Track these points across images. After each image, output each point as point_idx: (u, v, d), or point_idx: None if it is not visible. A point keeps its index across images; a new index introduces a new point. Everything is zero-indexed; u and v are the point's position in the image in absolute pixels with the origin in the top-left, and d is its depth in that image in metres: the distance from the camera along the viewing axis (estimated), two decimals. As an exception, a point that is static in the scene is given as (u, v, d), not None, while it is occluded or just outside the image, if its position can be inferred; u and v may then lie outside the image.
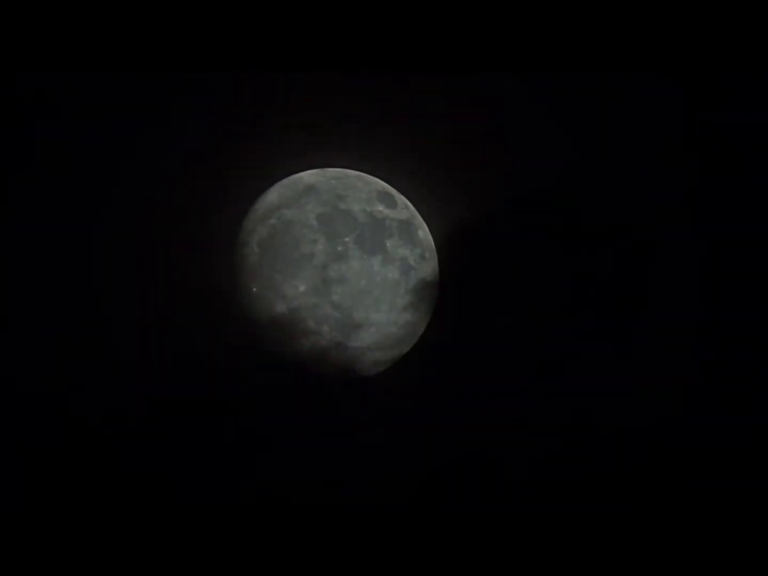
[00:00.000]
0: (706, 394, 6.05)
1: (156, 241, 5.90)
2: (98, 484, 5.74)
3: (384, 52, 5.63)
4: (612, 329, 6.22)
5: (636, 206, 6.17)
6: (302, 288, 5.20)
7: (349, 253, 5.22)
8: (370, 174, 5.73)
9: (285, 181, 5.63)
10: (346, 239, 5.24)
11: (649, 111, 6.03)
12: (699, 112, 5.95)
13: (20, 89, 5.62)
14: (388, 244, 5.38)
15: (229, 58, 5.57)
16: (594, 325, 6.22)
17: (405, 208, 5.67)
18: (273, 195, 5.55)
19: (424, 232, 5.73)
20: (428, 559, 5.67)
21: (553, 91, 5.97)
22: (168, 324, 5.91)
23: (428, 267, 5.66)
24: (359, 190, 5.52)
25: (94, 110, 5.66)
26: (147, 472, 5.80)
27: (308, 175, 5.62)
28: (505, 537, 5.76)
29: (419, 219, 5.76)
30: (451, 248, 5.91)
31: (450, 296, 5.92)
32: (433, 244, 5.79)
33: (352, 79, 5.76)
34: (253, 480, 5.86)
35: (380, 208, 5.48)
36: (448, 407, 5.99)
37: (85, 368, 5.81)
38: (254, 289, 5.36)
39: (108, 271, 5.86)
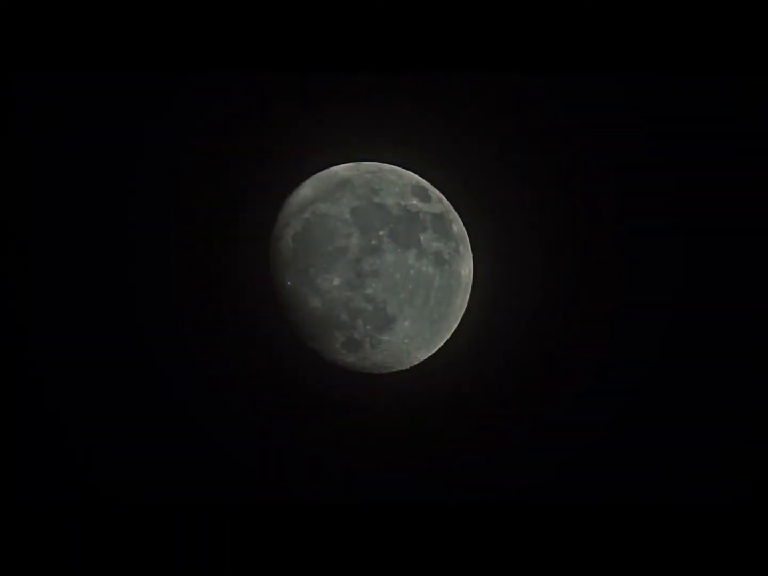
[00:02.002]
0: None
1: (190, 236, 5.95)
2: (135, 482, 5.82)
3: (420, 49, 5.62)
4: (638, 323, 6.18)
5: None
6: (336, 282, 5.19)
7: (383, 247, 5.21)
8: (404, 168, 5.73)
9: (319, 174, 5.64)
10: (380, 233, 5.23)
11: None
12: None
13: (57, 88, 5.70)
14: (422, 238, 5.36)
15: (265, 56, 5.60)
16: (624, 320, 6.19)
17: (439, 201, 5.66)
18: (307, 189, 5.56)
19: (458, 226, 5.71)
20: (462, 555, 5.65)
21: (584, 90, 5.95)
22: (201, 318, 5.96)
23: (462, 261, 5.64)
24: (393, 184, 5.51)
25: (131, 107, 5.75)
26: (176, 468, 5.86)
27: (343, 169, 5.62)
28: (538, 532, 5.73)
29: (453, 213, 5.74)
30: (485, 242, 5.90)
31: (484, 290, 5.90)
32: (467, 238, 5.77)
33: (386, 74, 5.76)
34: (286, 476, 5.89)
35: (414, 201, 5.47)
36: (482, 401, 5.98)
37: (115, 366, 5.86)
38: (288, 283, 5.37)
39: (141, 265, 5.93)
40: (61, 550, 5.53)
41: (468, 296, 5.76)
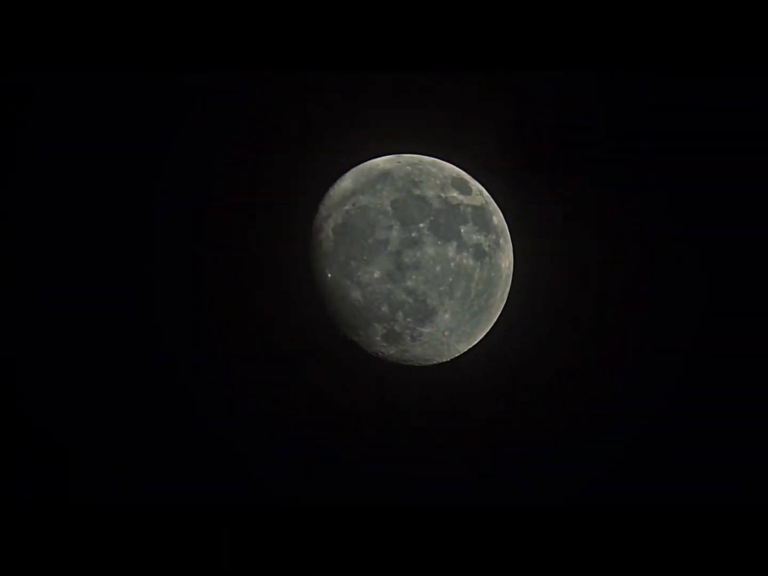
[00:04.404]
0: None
1: (231, 229, 6.00)
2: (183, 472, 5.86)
3: (462, 48, 5.60)
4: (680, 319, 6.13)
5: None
6: (377, 274, 5.20)
7: (423, 240, 5.20)
8: (444, 160, 5.72)
9: (360, 166, 5.64)
10: (421, 225, 5.22)
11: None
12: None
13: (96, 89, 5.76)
14: (462, 231, 5.34)
15: (307, 55, 5.61)
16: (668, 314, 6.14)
17: (479, 194, 5.63)
18: (348, 181, 5.57)
19: (498, 218, 5.68)
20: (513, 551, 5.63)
21: (625, 88, 5.90)
22: (242, 311, 6.01)
23: (503, 253, 5.61)
24: (434, 176, 5.49)
25: (182, 106, 5.81)
26: (211, 463, 5.90)
27: (383, 161, 5.61)
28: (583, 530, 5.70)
29: (494, 205, 5.71)
30: (525, 234, 5.87)
31: (524, 282, 5.87)
32: (507, 231, 5.74)
33: (425, 69, 5.74)
34: (326, 468, 5.92)
35: (454, 194, 5.45)
36: (522, 393, 5.96)
37: (145, 361, 5.91)
38: (329, 275, 5.39)
39: (181, 258, 5.98)
40: (62, 549, 5.58)
41: (508, 288, 5.74)
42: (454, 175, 5.60)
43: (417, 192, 5.36)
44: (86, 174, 5.85)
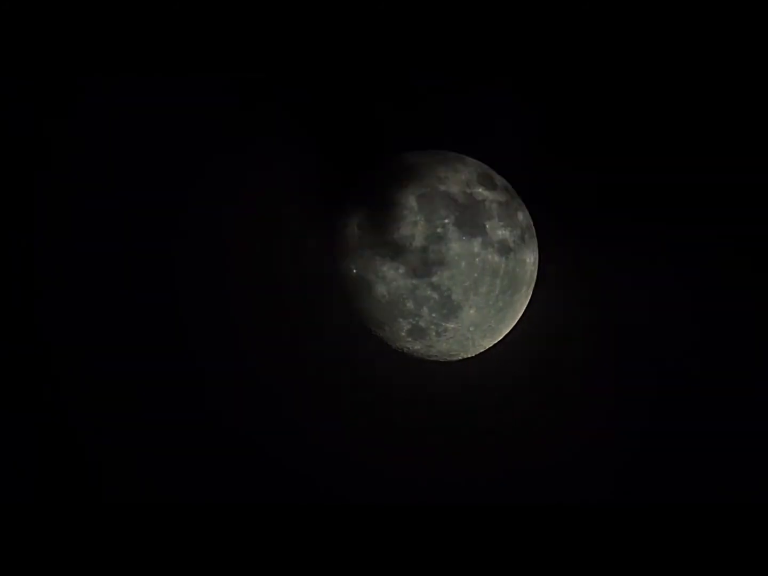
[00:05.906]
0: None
1: (256, 224, 6.03)
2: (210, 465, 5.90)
3: (486, 45, 5.61)
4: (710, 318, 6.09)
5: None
6: (402, 270, 5.21)
7: (448, 235, 5.20)
8: (470, 155, 5.71)
9: (385, 162, 5.65)
10: (446, 221, 5.23)
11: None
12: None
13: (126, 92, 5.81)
14: (487, 226, 5.33)
15: (334, 52, 5.64)
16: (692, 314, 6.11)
17: (505, 189, 5.62)
18: (373, 176, 5.58)
19: (524, 214, 5.67)
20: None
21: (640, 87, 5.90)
22: (267, 307, 6.04)
23: (528, 249, 5.60)
24: (459, 172, 5.49)
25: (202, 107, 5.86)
26: (234, 459, 5.94)
27: (408, 156, 5.62)
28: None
29: (519, 200, 5.70)
30: (551, 230, 5.86)
31: (549, 278, 5.87)
32: (533, 226, 5.73)
33: (452, 65, 5.75)
34: (352, 463, 5.94)
35: (480, 189, 5.44)
36: (547, 389, 5.95)
37: (186, 354, 5.95)
38: (354, 271, 5.40)
39: (205, 255, 6.02)
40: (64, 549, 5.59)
41: (533, 284, 5.73)
42: (479, 170, 5.59)
43: (442, 187, 5.36)
44: (110, 175, 5.91)
